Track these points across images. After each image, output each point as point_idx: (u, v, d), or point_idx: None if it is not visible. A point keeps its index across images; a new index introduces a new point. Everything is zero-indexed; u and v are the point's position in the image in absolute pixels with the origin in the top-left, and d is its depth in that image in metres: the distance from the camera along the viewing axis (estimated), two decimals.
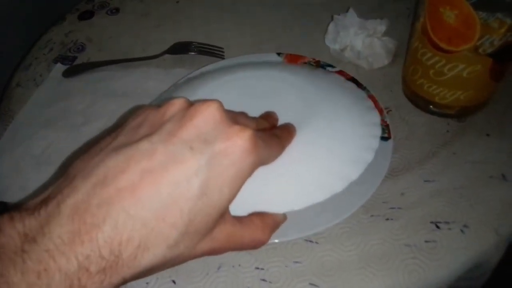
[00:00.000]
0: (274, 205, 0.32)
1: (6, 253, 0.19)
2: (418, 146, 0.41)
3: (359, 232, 0.35)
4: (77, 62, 0.55)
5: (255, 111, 0.36)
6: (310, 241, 0.35)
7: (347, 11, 0.50)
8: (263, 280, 0.33)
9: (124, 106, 0.47)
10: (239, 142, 0.23)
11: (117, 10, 0.63)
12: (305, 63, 0.47)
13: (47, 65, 0.56)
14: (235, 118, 0.28)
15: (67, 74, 0.53)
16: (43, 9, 0.75)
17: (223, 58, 0.52)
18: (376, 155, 0.36)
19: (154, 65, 0.53)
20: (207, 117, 0.23)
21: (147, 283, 0.34)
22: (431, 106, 0.42)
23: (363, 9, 0.51)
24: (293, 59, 0.48)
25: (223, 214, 0.24)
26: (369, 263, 0.33)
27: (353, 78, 0.44)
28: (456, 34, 0.35)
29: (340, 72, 0.45)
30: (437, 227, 0.35)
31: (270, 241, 0.29)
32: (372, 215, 0.36)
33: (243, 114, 0.32)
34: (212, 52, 0.53)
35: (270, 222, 0.29)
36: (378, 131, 0.38)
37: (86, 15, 0.63)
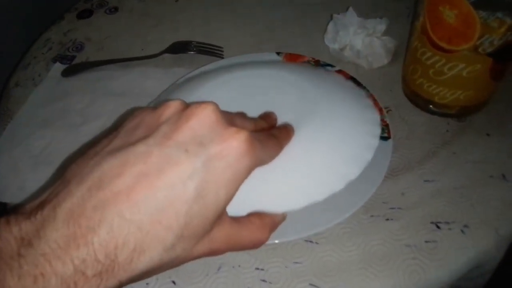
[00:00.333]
0: (273, 205, 0.32)
1: (3, 257, 0.19)
2: (418, 145, 0.41)
3: (360, 233, 0.35)
4: (76, 61, 0.55)
5: (255, 110, 0.36)
6: (310, 242, 0.35)
7: (346, 10, 0.50)
8: (263, 280, 0.33)
9: (123, 106, 0.47)
10: (235, 144, 0.23)
11: (115, 9, 0.63)
12: (305, 62, 0.47)
13: (45, 64, 0.55)
14: (232, 119, 0.28)
15: (65, 73, 0.53)
16: (42, 9, 0.74)
17: (223, 58, 0.51)
18: (376, 155, 0.36)
19: (153, 64, 0.53)
20: (202, 119, 0.23)
21: (147, 283, 0.33)
22: (431, 106, 0.42)
23: (363, 9, 0.51)
24: (292, 59, 0.48)
25: (220, 216, 0.24)
26: (370, 263, 0.33)
27: (353, 78, 0.44)
28: (456, 33, 0.35)
29: (340, 72, 0.45)
30: (438, 227, 0.35)
31: (270, 242, 0.29)
32: (372, 215, 0.36)
33: (240, 115, 0.32)
34: (212, 51, 0.53)
35: (269, 221, 0.29)
36: (377, 130, 0.38)
37: (85, 14, 0.62)
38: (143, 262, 0.21)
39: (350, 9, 0.50)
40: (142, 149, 0.22)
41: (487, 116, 0.42)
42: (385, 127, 0.39)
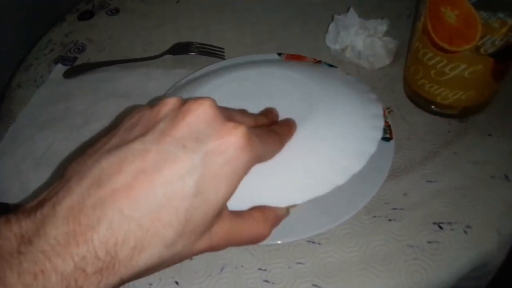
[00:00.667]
0: (275, 199, 0.31)
1: (3, 255, 0.19)
2: (419, 146, 0.41)
3: (362, 233, 0.35)
4: (78, 62, 0.55)
5: (257, 109, 0.36)
6: (313, 242, 0.35)
7: (347, 11, 0.50)
8: (266, 281, 0.33)
9: (125, 107, 0.47)
10: (232, 139, 0.23)
11: (117, 11, 0.63)
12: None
13: (47, 65, 0.56)
14: (230, 115, 0.28)
15: (67, 74, 0.53)
16: (43, 10, 0.74)
17: (224, 59, 0.52)
18: (378, 155, 0.36)
19: (154, 65, 0.53)
20: (199, 115, 0.23)
21: (150, 284, 0.34)
22: (432, 106, 0.42)
23: (364, 9, 0.51)
24: (293, 59, 0.48)
25: (221, 211, 0.24)
26: (372, 264, 0.33)
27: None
28: (457, 34, 0.35)
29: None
30: (440, 227, 0.35)
31: (272, 242, 0.29)
32: (374, 216, 0.36)
33: (240, 111, 0.32)
34: (213, 52, 0.53)
35: (271, 216, 0.29)
36: (380, 123, 0.37)
37: (86, 16, 0.63)
38: (144, 259, 0.21)
39: (351, 9, 0.50)
40: (140, 147, 0.22)
41: (489, 116, 0.42)
42: (387, 128, 0.39)
